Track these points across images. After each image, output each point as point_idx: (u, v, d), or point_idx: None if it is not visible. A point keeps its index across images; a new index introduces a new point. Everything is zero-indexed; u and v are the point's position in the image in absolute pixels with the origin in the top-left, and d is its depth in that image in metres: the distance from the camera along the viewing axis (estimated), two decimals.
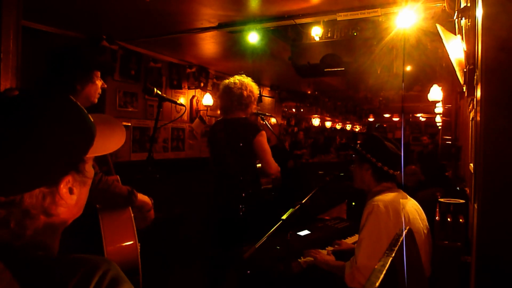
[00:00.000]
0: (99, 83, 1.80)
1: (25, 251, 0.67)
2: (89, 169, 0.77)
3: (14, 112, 0.67)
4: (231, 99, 2.70)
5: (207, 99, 5.92)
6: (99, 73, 1.80)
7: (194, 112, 6.03)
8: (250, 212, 2.60)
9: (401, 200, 1.84)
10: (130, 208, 1.77)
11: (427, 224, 1.91)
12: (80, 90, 1.71)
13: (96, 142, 0.76)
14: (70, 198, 0.73)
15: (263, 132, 2.64)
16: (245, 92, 2.68)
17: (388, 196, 1.84)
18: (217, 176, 2.80)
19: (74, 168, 0.73)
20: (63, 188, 0.71)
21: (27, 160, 0.65)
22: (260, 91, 7.41)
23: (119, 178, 1.88)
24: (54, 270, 0.64)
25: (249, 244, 1.84)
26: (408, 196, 1.95)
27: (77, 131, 0.72)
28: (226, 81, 2.78)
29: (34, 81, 1.78)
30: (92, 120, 0.77)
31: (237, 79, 2.75)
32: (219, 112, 2.89)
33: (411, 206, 1.89)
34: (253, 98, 2.74)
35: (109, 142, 0.82)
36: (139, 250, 1.71)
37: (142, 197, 1.83)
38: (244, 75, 2.82)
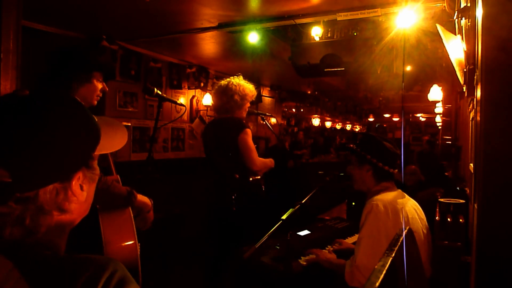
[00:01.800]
0: (98, 85, 1.79)
1: (33, 250, 0.68)
2: (96, 166, 0.81)
3: (26, 110, 0.69)
4: (221, 100, 2.78)
5: (207, 99, 5.92)
6: (99, 75, 1.79)
7: (194, 112, 6.03)
8: (243, 209, 2.63)
9: (400, 199, 1.84)
10: (130, 208, 1.77)
11: (426, 223, 1.91)
12: (76, 89, 1.71)
13: (102, 140, 0.78)
14: (81, 194, 0.76)
15: (247, 130, 2.66)
16: (235, 94, 2.74)
17: (387, 196, 1.85)
18: (210, 175, 2.85)
19: (85, 164, 0.76)
20: (75, 184, 0.74)
21: (42, 156, 0.67)
22: (260, 91, 7.46)
23: (119, 178, 1.88)
24: (62, 269, 0.65)
25: (249, 244, 1.84)
26: (407, 196, 1.95)
27: (86, 129, 0.76)
28: (219, 82, 2.86)
29: (34, 79, 1.78)
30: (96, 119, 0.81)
31: (229, 80, 2.81)
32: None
33: (410, 206, 1.89)
34: (244, 99, 2.78)
35: (113, 140, 0.86)
36: (139, 250, 1.71)
37: (141, 198, 1.83)
38: (241, 76, 2.87)
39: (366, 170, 1.93)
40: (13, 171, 0.65)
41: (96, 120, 0.80)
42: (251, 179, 2.72)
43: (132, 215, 1.76)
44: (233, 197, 2.63)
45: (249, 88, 2.81)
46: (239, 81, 2.80)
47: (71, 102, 0.76)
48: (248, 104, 2.86)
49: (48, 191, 0.69)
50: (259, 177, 2.78)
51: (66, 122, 0.72)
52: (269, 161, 2.82)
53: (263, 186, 2.83)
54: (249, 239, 2.12)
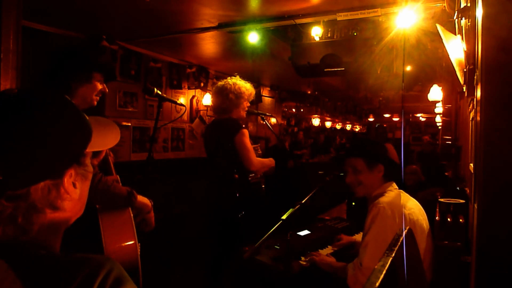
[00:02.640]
0: (98, 85, 1.80)
1: (28, 250, 0.68)
2: (89, 163, 0.81)
3: (16, 109, 0.69)
4: (218, 100, 2.83)
5: (207, 99, 5.92)
6: (99, 76, 1.80)
7: (194, 112, 6.03)
8: (243, 209, 2.65)
9: (404, 201, 1.83)
10: (130, 208, 1.77)
11: (428, 224, 1.91)
12: (74, 89, 1.71)
13: (94, 138, 0.79)
14: (74, 191, 0.76)
15: (244, 131, 2.67)
16: (230, 92, 2.77)
17: (392, 198, 1.83)
18: (211, 176, 2.87)
19: (76, 161, 0.76)
20: (67, 181, 0.74)
21: (32, 153, 0.67)
22: (260, 91, 7.46)
23: (119, 179, 1.88)
24: (57, 269, 0.65)
25: (249, 244, 1.84)
26: (410, 197, 1.95)
27: (76, 126, 0.76)
28: (217, 83, 2.90)
29: (34, 78, 1.79)
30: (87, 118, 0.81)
31: (225, 80, 2.85)
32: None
33: (415, 207, 1.89)
34: (240, 97, 2.80)
35: (105, 138, 0.87)
36: (139, 250, 1.71)
37: (141, 198, 1.83)
38: (238, 77, 2.90)
39: (379, 170, 1.90)
40: (4, 169, 0.65)
41: (88, 118, 0.80)
42: (250, 178, 2.73)
43: (132, 215, 1.76)
44: (233, 197, 2.64)
45: (245, 86, 2.83)
46: (235, 81, 2.83)
47: (61, 100, 0.76)
48: (247, 103, 2.87)
49: (40, 189, 0.69)
50: (258, 176, 2.78)
51: (56, 120, 0.72)
52: (269, 161, 2.83)
53: (263, 186, 2.83)
54: (249, 239, 2.12)
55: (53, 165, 0.71)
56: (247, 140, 2.66)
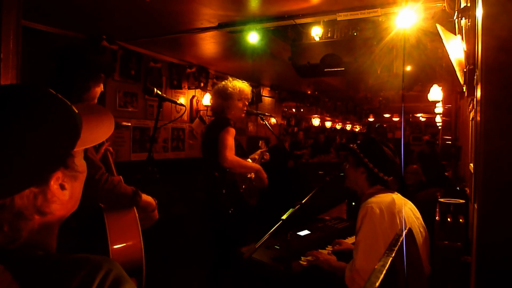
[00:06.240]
0: (102, 86, 1.89)
1: (23, 251, 0.66)
2: (79, 163, 0.76)
3: None
4: (214, 101, 2.93)
5: (207, 99, 5.92)
6: (104, 78, 1.88)
7: (194, 112, 6.03)
8: (224, 208, 2.68)
9: (394, 200, 1.83)
10: (135, 208, 1.78)
11: (422, 222, 1.91)
12: (91, 89, 1.79)
13: (84, 133, 0.74)
14: (62, 194, 0.71)
15: (229, 128, 2.68)
16: (223, 94, 2.84)
17: (382, 198, 1.84)
18: (202, 174, 2.92)
19: (62, 164, 0.71)
20: (54, 185, 0.69)
21: (12, 161, 0.63)
22: (260, 91, 7.46)
23: (122, 179, 1.88)
24: (55, 270, 0.64)
25: (248, 244, 1.84)
26: (401, 196, 1.94)
27: (61, 126, 0.70)
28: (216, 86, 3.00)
29: (44, 78, 1.82)
30: (77, 111, 0.75)
31: (223, 83, 2.91)
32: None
33: (409, 209, 1.88)
34: (231, 99, 2.84)
35: (97, 132, 0.80)
36: (143, 250, 1.71)
37: (146, 197, 1.85)
38: (235, 79, 2.95)
39: (361, 172, 1.94)
40: None
41: (77, 110, 0.74)
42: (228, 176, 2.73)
43: (137, 214, 1.77)
44: (218, 195, 2.68)
45: (237, 86, 2.85)
46: (230, 82, 2.88)
47: (43, 97, 0.71)
48: (242, 103, 2.88)
49: (24, 196, 0.65)
50: (235, 176, 2.77)
51: (36, 122, 0.66)
52: (252, 164, 2.82)
53: (243, 185, 2.80)
54: (244, 240, 2.12)
55: (36, 172, 0.66)
56: (229, 137, 2.65)
